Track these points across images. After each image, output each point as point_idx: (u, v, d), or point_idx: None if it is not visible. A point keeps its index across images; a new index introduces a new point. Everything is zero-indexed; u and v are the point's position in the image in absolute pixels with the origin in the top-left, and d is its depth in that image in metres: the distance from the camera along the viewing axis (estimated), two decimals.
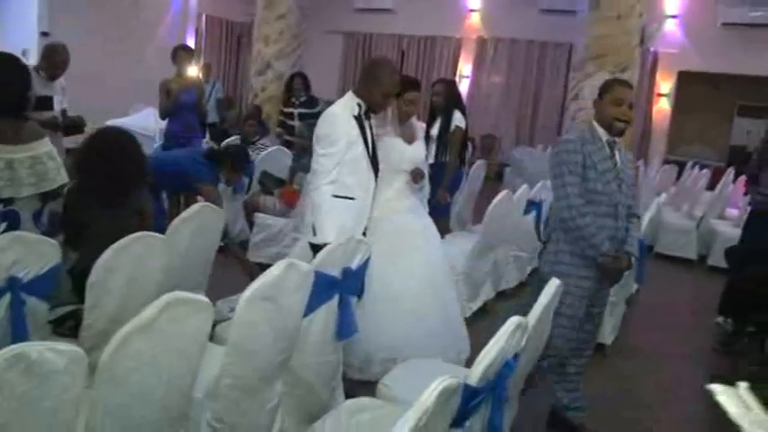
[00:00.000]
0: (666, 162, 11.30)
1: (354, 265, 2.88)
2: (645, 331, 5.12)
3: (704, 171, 9.31)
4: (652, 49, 11.86)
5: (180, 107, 5.97)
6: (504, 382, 1.96)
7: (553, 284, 2.52)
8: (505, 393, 2.02)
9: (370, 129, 3.48)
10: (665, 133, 12.49)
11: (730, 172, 8.62)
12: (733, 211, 8.39)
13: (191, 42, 12.06)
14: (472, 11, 13.77)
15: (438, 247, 3.94)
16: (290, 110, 8.09)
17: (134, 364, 1.75)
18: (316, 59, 12.31)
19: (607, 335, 4.42)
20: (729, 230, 7.09)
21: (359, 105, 3.41)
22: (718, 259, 6.66)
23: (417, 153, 3.82)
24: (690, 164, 10.10)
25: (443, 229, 4.64)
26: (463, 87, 13.84)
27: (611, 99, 3.01)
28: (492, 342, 1.86)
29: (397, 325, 3.51)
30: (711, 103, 12.74)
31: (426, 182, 4.00)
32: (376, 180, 3.50)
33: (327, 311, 2.73)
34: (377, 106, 3.48)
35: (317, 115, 8.06)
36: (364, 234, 3.45)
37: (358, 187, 3.40)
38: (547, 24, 12.65)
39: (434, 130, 5.38)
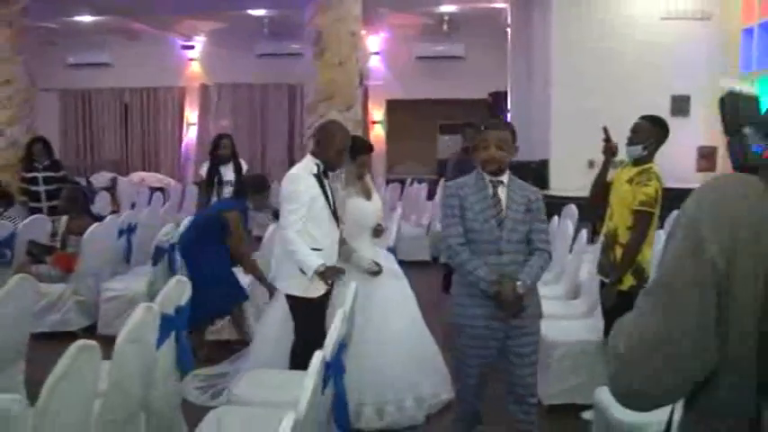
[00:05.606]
0: (389, 181, 12.69)
1: (183, 302, 3.37)
2: None
3: (422, 184, 10.80)
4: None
5: None
6: (341, 358, 2.66)
7: (352, 286, 3.27)
8: (342, 366, 2.72)
9: (330, 185, 3.85)
10: (383, 155, 14.13)
11: (442, 182, 10.12)
12: None
13: None
14: (191, 60, 14.23)
15: (407, 285, 4.36)
16: (34, 175, 7.93)
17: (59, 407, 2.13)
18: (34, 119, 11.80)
19: None
20: None
21: (317, 165, 3.76)
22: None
23: (378, 207, 4.21)
24: (409, 180, 11.52)
25: None
26: (191, 134, 14.30)
27: (479, 144, 3.11)
28: (332, 329, 2.55)
29: (397, 364, 3.88)
30: (417, 124, 14.71)
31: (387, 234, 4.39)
32: (339, 230, 3.85)
33: (168, 346, 3.19)
34: (333, 164, 3.83)
35: (63, 179, 8.08)
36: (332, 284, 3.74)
37: (323, 238, 3.73)
38: (265, 68, 13.62)
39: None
